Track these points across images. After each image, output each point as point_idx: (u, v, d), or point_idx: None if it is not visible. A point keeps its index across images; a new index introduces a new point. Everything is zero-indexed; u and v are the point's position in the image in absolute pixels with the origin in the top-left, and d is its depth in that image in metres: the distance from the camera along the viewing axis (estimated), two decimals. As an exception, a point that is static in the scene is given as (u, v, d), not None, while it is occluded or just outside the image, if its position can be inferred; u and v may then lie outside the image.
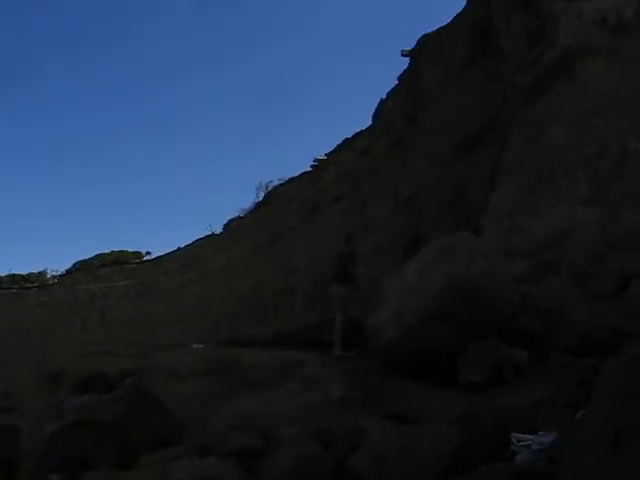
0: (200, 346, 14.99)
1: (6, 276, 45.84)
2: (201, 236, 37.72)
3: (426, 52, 20.57)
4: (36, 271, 46.82)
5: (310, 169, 29.50)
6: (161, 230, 76.36)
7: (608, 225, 11.56)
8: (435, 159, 18.74)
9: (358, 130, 26.41)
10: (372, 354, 9.64)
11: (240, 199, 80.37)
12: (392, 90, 23.41)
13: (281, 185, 32.22)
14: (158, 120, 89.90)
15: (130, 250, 44.36)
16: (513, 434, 5.54)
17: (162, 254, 40.89)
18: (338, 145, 27.59)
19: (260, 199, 34.16)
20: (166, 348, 15.82)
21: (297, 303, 26.02)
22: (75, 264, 45.31)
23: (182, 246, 39.05)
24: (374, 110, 24.52)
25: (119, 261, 43.11)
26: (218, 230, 36.83)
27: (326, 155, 28.46)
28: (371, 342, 9.59)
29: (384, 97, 23.96)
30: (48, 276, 46.44)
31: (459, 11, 19.88)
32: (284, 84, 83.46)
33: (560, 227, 12.28)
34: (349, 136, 26.94)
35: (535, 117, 14.32)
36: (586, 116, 12.85)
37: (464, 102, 17.87)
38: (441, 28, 20.52)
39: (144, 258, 43.53)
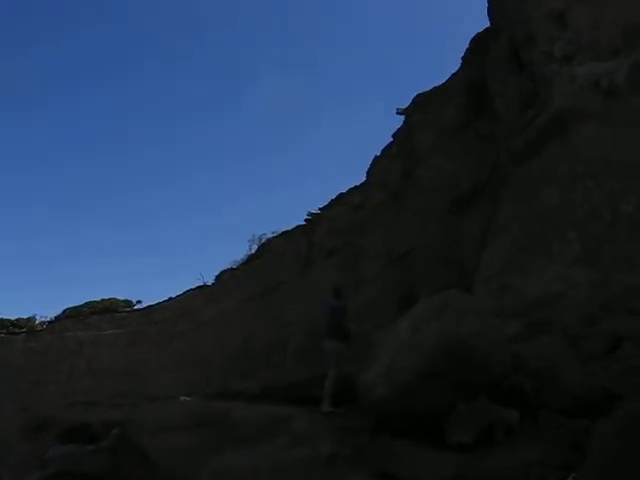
0: (188, 399, 14.85)
1: (-6, 320, 45.59)
2: (193, 287, 37.65)
3: (421, 111, 20.90)
4: (25, 316, 46.60)
5: (304, 223, 29.62)
6: (153, 279, 76.24)
7: (600, 286, 11.60)
8: (429, 216, 18.87)
9: (352, 185, 26.63)
10: (362, 411, 9.55)
11: (233, 251, 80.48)
12: (387, 147, 23.70)
13: (274, 238, 32.31)
14: (153, 170, 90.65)
15: (120, 299, 44.24)
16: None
17: (153, 303, 40.74)
18: (332, 200, 27.78)
19: (253, 251, 34.23)
20: (154, 399, 15.66)
21: (288, 357, 25.84)
22: (64, 311, 45.12)
23: (173, 296, 38.94)
24: (368, 166, 24.78)
25: (109, 309, 42.94)
26: (210, 281, 36.80)
27: (320, 209, 28.62)
28: (362, 399, 9.51)
29: (378, 154, 24.24)
30: (37, 322, 46.21)
31: (454, 71, 20.24)
32: (280, 136, 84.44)
33: (552, 287, 12.32)
34: (343, 191, 27.15)
35: (528, 178, 14.49)
36: (579, 179, 13.01)
37: (458, 161, 18.10)
38: (436, 88, 20.88)
39: (134, 307, 43.37)
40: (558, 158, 13.80)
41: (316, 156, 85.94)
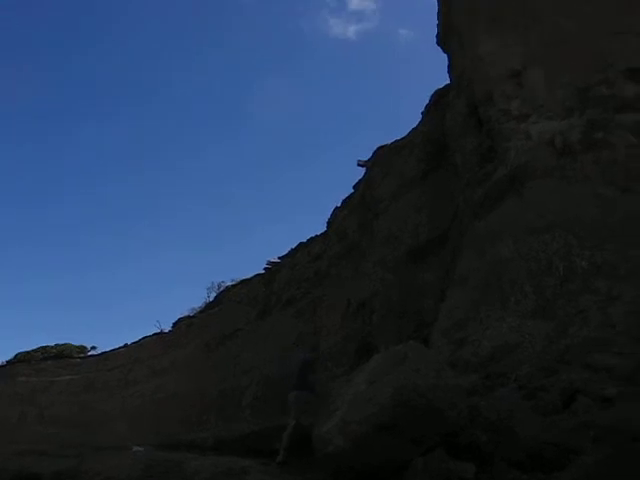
0: (140, 449, 14.52)
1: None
2: (149, 334, 37.18)
3: (381, 163, 21.19)
4: (-27, 360, 45.41)
5: (263, 271, 29.57)
6: (109, 326, 75.08)
7: (555, 339, 11.72)
8: (387, 267, 18.99)
9: (312, 235, 26.75)
10: (318, 464, 9.43)
11: (191, 299, 79.82)
12: (347, 198, 23.91)
13: (233, 286, 32.17)
14: (111, 216, 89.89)
15: (75, 344, 43.40)
16: None
17: (108, 350, 40.06)
18: (292, 249, 27.84)
19: (211, 299, 33.99)
20: (104, 449, 15.26)
21: (243, 406, 25.51)
22: (16, 355, 44.06)
23: (129, 343, 38.36)
24: (329, 216, 24.96)
25: (63, 355, 42.06)
26: (167, 328, 36.37)
27: (280, 258, 28.63)
28: (317, 452, 9.40)
29: (339, 204, 24.44)
30: (-13, 366, 45.00)
31: (415, 125, 20.62)
32: (240, 185, 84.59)
33: (509, 340, 12.40)
34: (304, 240, 27.24)
35: (486, 231, 14.69)
36: (534, 233, 13.24)
37: (417, 213, 18.32)
38: (396, 141, 21.22)
39: (89, 353, 42.57)
40: (515, 212, 14.05)
41: (278, 205, 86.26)
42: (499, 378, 11.08)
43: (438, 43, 19.64)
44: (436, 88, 20.56)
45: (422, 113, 20.50)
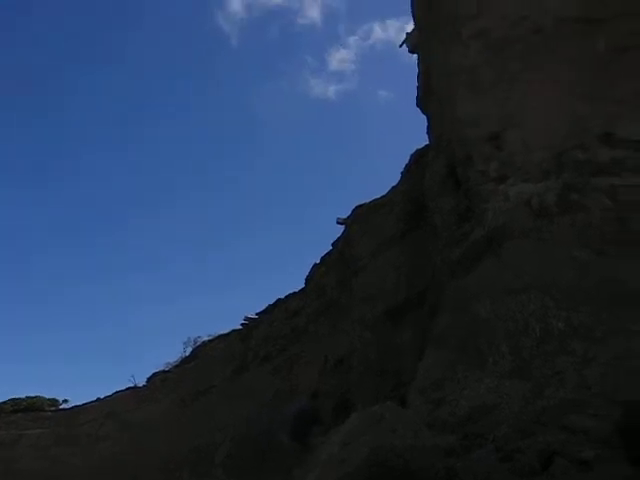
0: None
1: None
2: (123, 388, 36.65)
3: (360, 221, 21.39)
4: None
5: (240, 327, 29.44)
6: (83, 379, 73.81)
7: (532, 400, 11.73)
8: (365, 325, 19.01)
9: (291, 292, 26.74)
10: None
11: (167, 353, 78.85)
12: (326, 255, 24.03)
13: (209, 341, 31.94)
14: (87, 269, 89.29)
15: (47, 397, 42.62)
16: None
17: (80, 404, 39.39)
18: (270, 305, 27.78)
19: (187, 354, 33.69)
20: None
21: (216, 464, 25.11)
22: (-15, 407, 43.10)
23: (102, 397, 37.76)
24: (308, 273, 25.02)
25: (34, 407, 41.24)
26: (141, 383, 35.90)
27: (257, 314, 28.54)
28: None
29: (318, 261, 24.55)
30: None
31: (394, 184, 20.90)
32: (218, 241, 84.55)
33: (486, 400, 12.39)
34: (282, 297, 27.21)
35: (463, 291, 14.79)
36: (511, 293, 13.36)
37: (395, 272, 18.44)
38: (376, 199, 21.47)
39: (61, 406, 41.80)
40: (492, 273, 14.19)
41: (256, 262, 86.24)
42: (477, 439, 11.05)
43: (418, 105, 20.05)
44: (415, 148, 20.97)
45: (402, 173, 20.81)
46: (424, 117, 19.61)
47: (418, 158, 20.26)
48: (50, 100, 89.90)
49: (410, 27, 21.47)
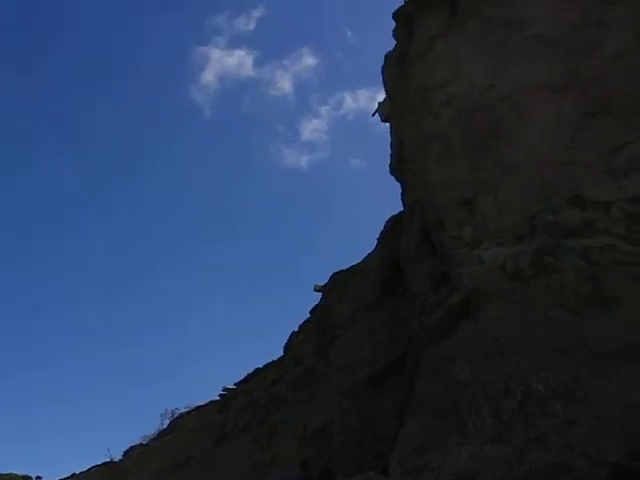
0: None
1: None
2: (99, 462, 35.82)
3: (337, 289, 21.44)
4: None
5: (218, 398, 29.06)
6: (58, 454, 71.98)
7: (516, 465, 11.63)
8: (344, 393, 18.85)
9: (269, 360, 26.53)
10: None
11: (144, 427, 77.31)
12: (304, 323, 23.99)
13: (187, 413, 31.46)
14: (64, 346, 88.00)
15: (19, 474, 41.54)
16: None
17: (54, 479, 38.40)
18: (248, 374, 27.51)
19: (164, 426, 33.11)
20: None
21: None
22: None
23: (77, 472, 36.81)
24: (286, 342, 24.91)
25: (5, 484, 40.10)
26: (118, 457, 35.13)
27: (236, 384, 28.23)
28: None
29: (296, 329, 24.48)
30: None
31: (370, 251, 21.06)
32: (194, 311, 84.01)
33: (469, 467, 12.26)
34: (260, 366, 26.98)
35: (441, 356, 14.77)
36: (489, 357, 13.36)
37: (373, 338, 18.41)
38: (353, 266, 21.59)
39: (33, 483, 40.69)
40: (469, 336, 14.22)
41: (234, 330, 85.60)
42: (460, 506, 10.89)
43: (391, 172, 20.37)
44: (390, 214, 21.24)
45: (378, 239, 20.99)
46: (397, 184, 19.94)
47: (393, 224, 20.47)
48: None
49: (381, 96, 22.00)
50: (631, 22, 15.12)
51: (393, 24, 20.26)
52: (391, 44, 20.73)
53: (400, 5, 19.61)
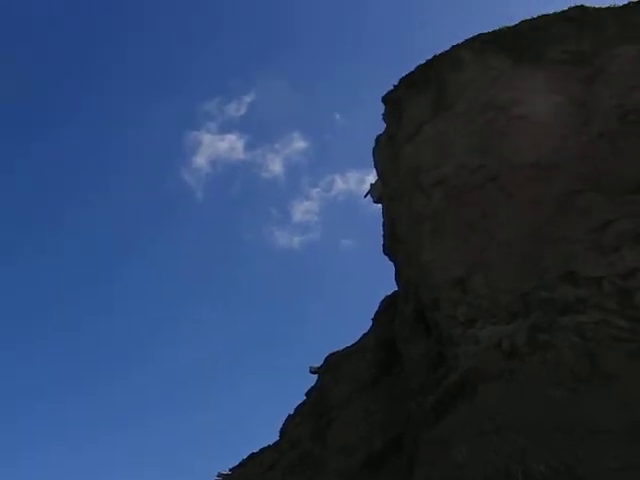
0: None
1: None
2: None
3: (333, 370, 21.26)
4: None
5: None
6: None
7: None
8: (343, 476, 18.46)
9: (265, 445, 26.01)
10: None
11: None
12: (299, 406, 23.67)
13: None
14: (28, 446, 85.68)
15: None
16: None
17: None
18: (244, 459, 26.93)
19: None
20: None
21: None
22: None
23: None
24: (282, 425, 24.50)
25: None
26: None
27: (231, 470, 27.61)
28: None
29: (291, 412, 24.12)
30: None
31: (366, 331, 20.99)
32: (187, 395, 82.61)
33: None
34: (255, 450, 26.43)
35: (439, 436, 14.55)
36: (486, 435, 13.17)
37: (370, 420, 18.16)
38: (348, 347, 21.48)
39: None
40: (466, 417, 14.04)
41: (230, 415, 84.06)
42: None
43: (384, 252, 20.49)
44: (382, 294, 21.26)
45: (372, 319, 20.95)
46: (388, 264, 20.09)
47: (387, 304, 20.47)
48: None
49: (370, 178, 22.34)
50: (614, 102, 15.53)
51: (381, 107, 20.79)
52: (379, 126, 21.25)
53: (389, 89, 20.12)
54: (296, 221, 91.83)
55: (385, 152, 20.38)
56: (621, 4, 17.08)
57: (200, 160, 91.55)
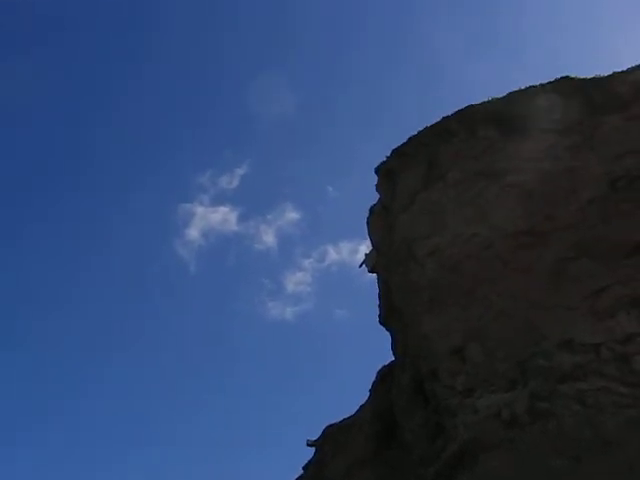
0: None
1: None
2: None
3: (330, 442, 20.93)
4: None
5: None
6: None
7: None
8: None
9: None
10: None
11: None
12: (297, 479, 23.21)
13: None
14: None
15: None
16: None
17: None
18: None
19: None
20: None
21: None
22: None
23: None
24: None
25: None
26: None
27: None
28: None
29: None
30: None
31: (363, 403, 20.73)
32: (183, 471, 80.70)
33: None
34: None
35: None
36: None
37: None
38: (345, 419, 21.19)
39: None
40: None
41: None
42: None
43: (380, 322, 20.41)
44: (378, 363, 21.08)
45: (370, 390, 20.71)
46: (384, 333, 20.02)
47: (384, 375, 20.28)
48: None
49: (363, 248, 22.42)
50: (602, 169, 15.77)
51: (371, 177, 21.06)
52: (370, 197, 21.47)
53: (382, 160, 20.39)
54: (289, 292, 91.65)
55: (380, 222, 20.52)
56: (605, 75, 17.48)
57: (193, 232, 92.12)
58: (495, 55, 72.39)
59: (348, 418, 21.04)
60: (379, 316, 20.66)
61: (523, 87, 18.17)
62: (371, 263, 21.38)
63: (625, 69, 17.28)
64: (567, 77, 17.86)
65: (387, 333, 19.92)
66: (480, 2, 75.83)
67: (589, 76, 17.79)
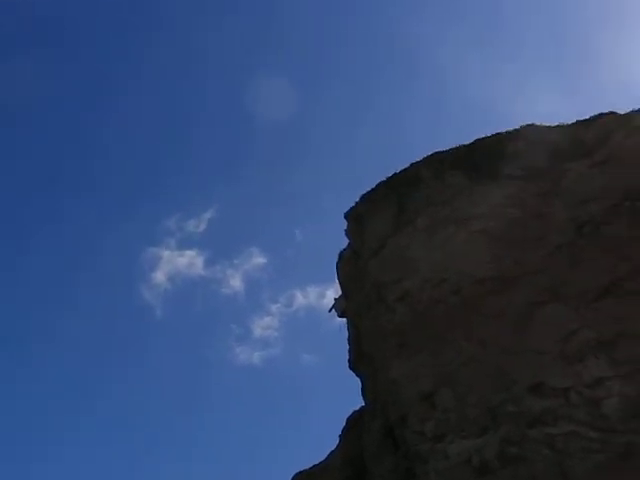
0: None
1: None
2: None
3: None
4: None
5: None
6: None
7: None
8: None
9: None
10: None
11: None
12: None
13: None
14: None
15: None
16: None
17: None
18: None
19: None
20: None
21: None
22: None
23: None
24: None
25: None
26: None
27: None
28: None
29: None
30: None
31: (332, 449, 20.51)
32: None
33: None
34: None
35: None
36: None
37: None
38: (315, 466, 20.91)
39: None
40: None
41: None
42: None
43: (350, 367, 20.35)
44: (348, 409, 20.92)
45: (339, 436, 20.53)
46: (353, 378, 19.95)
47: (354, 421, 20.13)
48: None
49: (330, 292, 22.45)
50: (569, 214, 16.03)
51: (339, 222, 21.22)
52: (337, 240, 21.60)
53: (351, 206, 20.56)
54: (257, 336, 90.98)
55: (349, 267, 20.60)
56: (569, 122, 17.90)
57: (160, 276, 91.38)
58: (491, 58, 74.10)
59: (318, 464, 20.78)
60: (349, 361, 20.60)
61: (490, 134, 18.53)
62: (340, 308, 21.39)
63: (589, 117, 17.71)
64: (533, 124, 18.28)
65: (357, 378, 19.86)
66: (479, 4, 78.27)
67: (554, 124, 18.22)
